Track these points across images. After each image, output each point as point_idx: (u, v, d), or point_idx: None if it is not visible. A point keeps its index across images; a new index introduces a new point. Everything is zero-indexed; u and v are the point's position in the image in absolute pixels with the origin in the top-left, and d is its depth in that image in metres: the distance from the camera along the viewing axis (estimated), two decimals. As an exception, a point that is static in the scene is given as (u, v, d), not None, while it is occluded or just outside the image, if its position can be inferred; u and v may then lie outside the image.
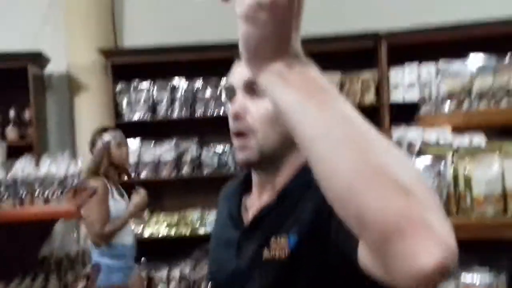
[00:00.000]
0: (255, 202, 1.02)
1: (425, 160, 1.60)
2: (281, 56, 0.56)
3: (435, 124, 1.74)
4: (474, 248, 1.46)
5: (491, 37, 3.23)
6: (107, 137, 2.76)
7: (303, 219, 0.88)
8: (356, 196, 0.51)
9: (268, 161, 0.96)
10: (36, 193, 1.63)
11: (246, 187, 1.06)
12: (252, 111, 0.94)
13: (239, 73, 0.96)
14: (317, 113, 0.55)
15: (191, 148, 3.73)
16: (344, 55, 3.69)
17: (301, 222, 0.88)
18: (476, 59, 1.69)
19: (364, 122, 0.55)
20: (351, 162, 0.52)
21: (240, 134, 0.95)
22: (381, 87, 3.60)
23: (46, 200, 1.64)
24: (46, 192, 1.65)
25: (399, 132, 3.40)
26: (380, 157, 0.53)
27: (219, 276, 1.03)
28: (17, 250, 1.79)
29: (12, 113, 3.77)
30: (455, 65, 1.69)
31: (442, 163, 1.57)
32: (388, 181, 0.51)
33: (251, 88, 0.94)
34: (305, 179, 0.85)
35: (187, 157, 3.71)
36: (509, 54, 1.76)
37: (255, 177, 1.03)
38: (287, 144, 0.95)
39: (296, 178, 0.95)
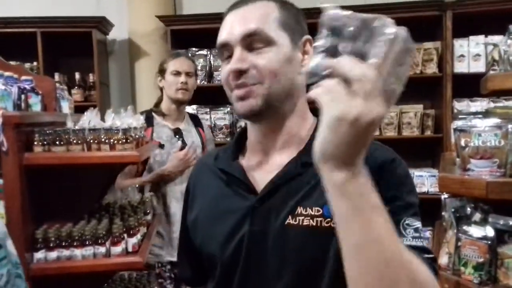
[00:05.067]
0: (260, 163, 0.98)
1: (492, 120, 1.53)
2: (347, 167, 0.62)
3: (504, 85, 1.64)
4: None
5: None
6: None
7: None
8: None
9: (274, 109, 0.92)
10: (102, 139, 1.70)
11: (237, 151, 1.03)
12: (256, 64, 0.90)
13: (233, 28, 0.92)
14: (358, 231, 0.63)
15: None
16: (407, 24, 3.56)
17: None
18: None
19: (395, 242, 0.64)
20: (373, 283, 0.63)
21: (244, 85, 0.91)
22: (444, 57, 3.46)
23: (112, 147, 1.71)
24: (112, 140, 1.71)
25: (461, 105, 3.28)
26: (399, 279, 0.63)
27: (220, 247, 0.95)
28: (83, 193, 1.88)
29: (77, 76, 3.94)
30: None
31: (510, 124, 1.50)
32: None
33: (250, 42, 0.91)
34: None
35: (242, 124, 3.74)
36: None
37: (256, 133, 0.99)
38: (292, 93, 0.94)
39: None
